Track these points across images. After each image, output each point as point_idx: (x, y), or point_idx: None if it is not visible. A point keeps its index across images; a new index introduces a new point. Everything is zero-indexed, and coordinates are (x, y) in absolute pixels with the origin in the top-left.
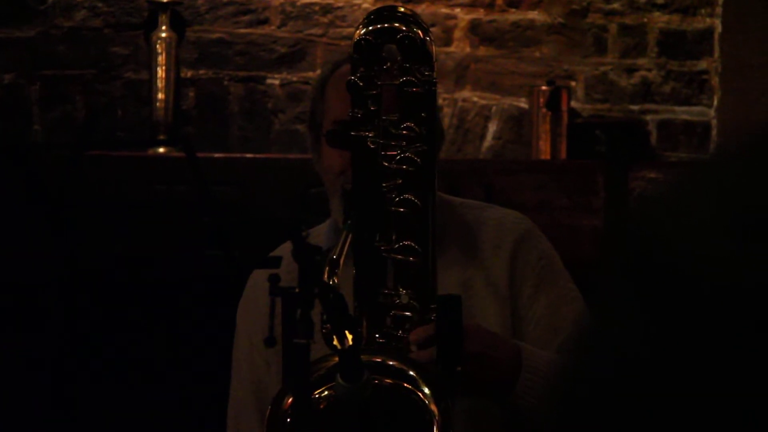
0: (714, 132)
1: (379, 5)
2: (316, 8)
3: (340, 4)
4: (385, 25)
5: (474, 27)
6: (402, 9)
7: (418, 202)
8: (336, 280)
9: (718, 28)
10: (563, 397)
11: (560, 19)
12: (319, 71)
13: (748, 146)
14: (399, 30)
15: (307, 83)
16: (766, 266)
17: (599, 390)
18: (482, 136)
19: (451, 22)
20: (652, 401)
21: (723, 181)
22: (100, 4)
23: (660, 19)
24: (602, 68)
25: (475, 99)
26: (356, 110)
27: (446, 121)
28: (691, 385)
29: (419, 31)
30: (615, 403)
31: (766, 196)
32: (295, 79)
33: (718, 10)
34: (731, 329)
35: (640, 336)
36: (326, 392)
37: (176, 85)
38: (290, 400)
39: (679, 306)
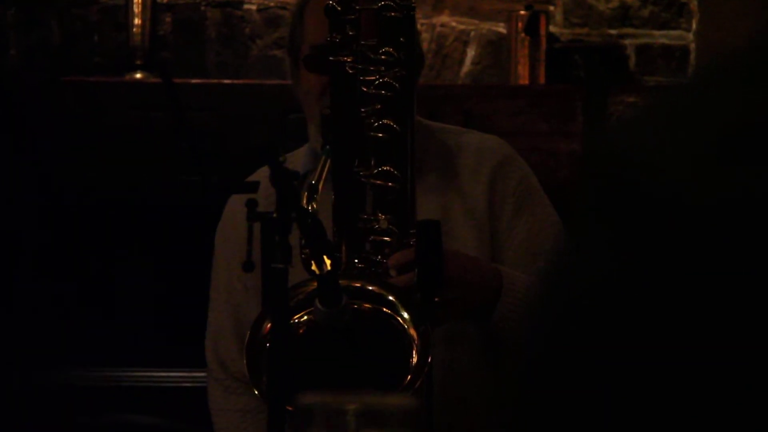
0: (692, 56)
1: None
2: None
3: None
4: None
5: None
6: None
7: (397, 128)
8: (315, 206)
9: None
10: (537, 319)
11: None
12: None
13: (724, 69)
14: None
15: (284, 8)
16: (739, 187)
17: (571, 311)
18: (461, 62)
19: None
20: (622, 321)
21: (696, 104)
22: None
23: None
24: None
25: (454, 24)
26: (334, 35)
27: (425, 47)
28: (662, 305)
29: None
30: (586, 323)
31: (737, 119)
32: (272, 4)
33: None
34: (703, 249)
35: (612, 257)
36: (305, 317)
37: (153, 10)
38: (269, 325)
39: (650, 227)
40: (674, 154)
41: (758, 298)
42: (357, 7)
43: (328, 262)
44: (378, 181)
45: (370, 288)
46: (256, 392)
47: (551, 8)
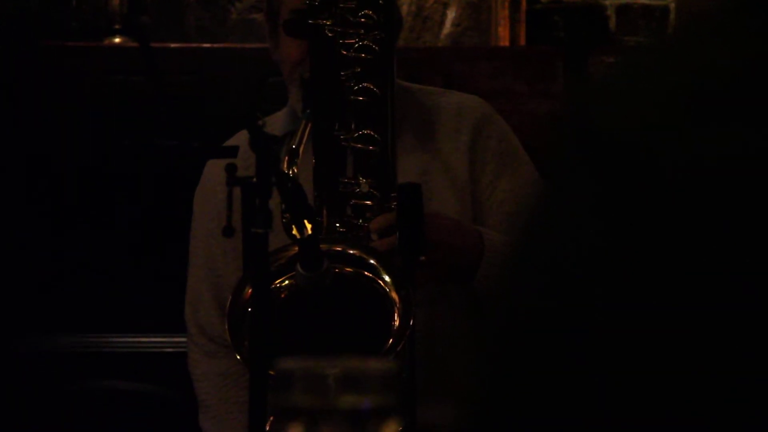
0: (672, 16)
1: None
2: None
3: None
4: None
5: None
6: None
7: (377, 91)
8: (295, 170)
9: None
10: (517, 278)
11: None
12: None
13: (698, 27)
14: None
15: None
16: (716, 142)
17: (552, 269)
18: (441, 23)
19: None
20: (605, 278)
21: (670, 62)
22: None
23: None
24: None
25: None
26: None
27: (404, 9)
28: (644, 262)
29: None
30: (568, 281)
31: (710, 76)
32: None
33: None
34: (679, 205)
35: (591, 214)
36: (286, 282)
37: None
38: (250, 290)
39: (628, 182)
40: (648, 110)
41: (734, 250)
42: None
43: (308, 226)
44: (358, 145)
45: (352, 252)
46: (238, 357)
47: None
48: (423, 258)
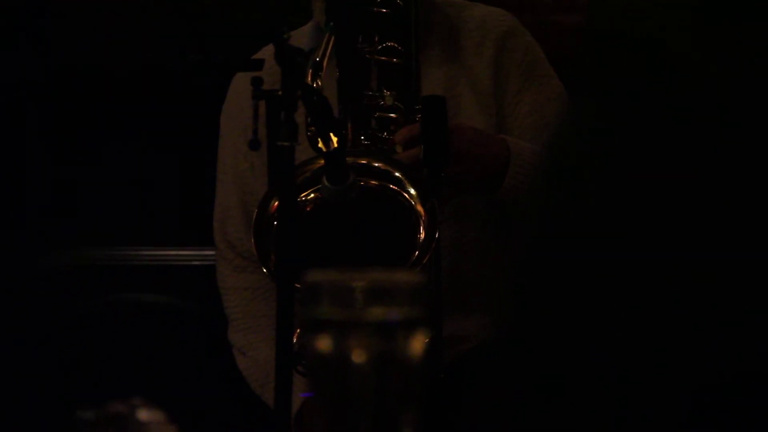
0: None
1: None
2: None
3: None
4: None
5: None
6: None
7: (400, 2)
8: (320, 83)
9: None
10: (545, 187)
11: None
12: None
13: None
14: None
15: None
16: (727, 44)
17: (578, 178)
18: None
19: None
20: (628, 188)
21: None
22: None
23: None
24: None
25: None
26: None
27: None
28: (666, 154)
29: None
30: (593, 189)
31: None
32: None
33: None
34: (695, 102)
35: (613, 111)
36: (312, 195)
37: None
38: (276, 203)
39: (646, 82)
40: (670, 17)
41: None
42: None
43: (334, 139)
44: (382, 57)
45: (377, 165)
46: (265, 270)
47: None
48: (447, 169)
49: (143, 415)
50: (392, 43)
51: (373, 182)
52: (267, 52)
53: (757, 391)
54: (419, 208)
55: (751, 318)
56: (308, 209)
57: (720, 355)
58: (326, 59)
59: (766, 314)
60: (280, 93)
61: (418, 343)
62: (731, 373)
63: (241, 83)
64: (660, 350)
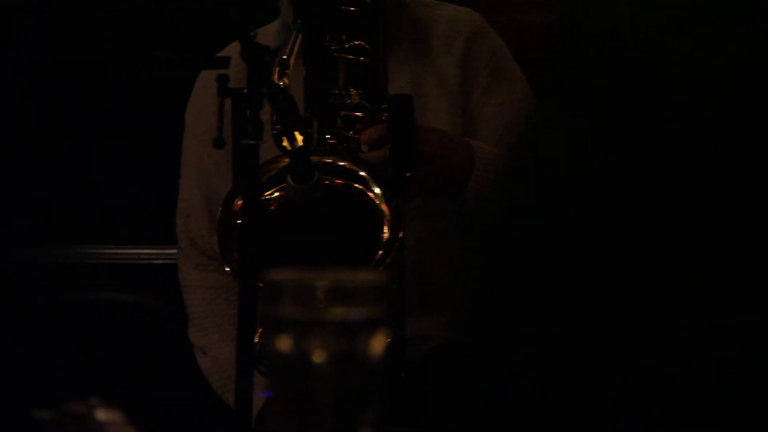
0: None
1: None
2: None
3: None
4: None
5: None
6: None
7: (369, 1)
8: (286, 81)
9: None
10: (503, 187)
11: None
12: None
13: None
14: None
15: None
16: (724, 40)
17: (541, 162)
18: None
19: None
20: (596, 184)
21: None
22: None
23: None
24: None
25: None
26: None
27: None
28: (648, 160)
29: None
30: (555, 174)
31: None
32: None
33: None
34: (691, 103)
35: (595, 111)
36: (277, 193)
37: None
38: (240, 201)
39: (637, 82)
40: (658, 11)
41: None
42: None
43: (299, 137)
44: (350, 56)
45: (342, 164)
46: (228, 269)
47: None
48: (412, 170)
49: (101, 415)
50: (360, 42)
51: (338, 181)
52: (233, 50)
53: (745, 391)
54: (384, 207)
55: (740, 319)
56: (272, 208)
57: (708, 355)
58: (293, 57)
59: (755, 315)
60: (245, 91)
61: (379, 343)
62: (719, 373)
63: (206, 80)
64: (647, 351)
